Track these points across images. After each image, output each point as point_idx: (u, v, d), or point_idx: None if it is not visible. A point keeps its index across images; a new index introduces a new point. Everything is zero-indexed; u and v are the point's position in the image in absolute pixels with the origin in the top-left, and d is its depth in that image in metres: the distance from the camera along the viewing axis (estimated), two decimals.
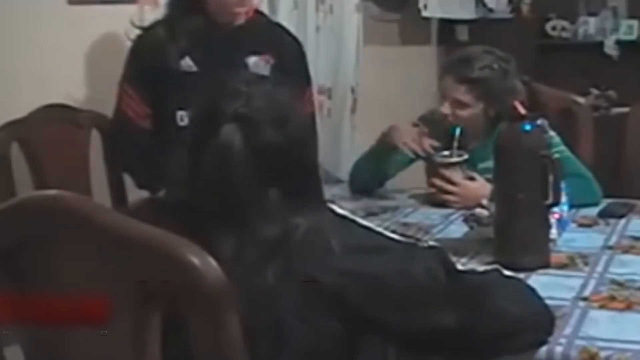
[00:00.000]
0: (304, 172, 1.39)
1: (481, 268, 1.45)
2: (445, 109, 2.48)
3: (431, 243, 1.48)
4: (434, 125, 2.57)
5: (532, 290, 1.48)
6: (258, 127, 1.32)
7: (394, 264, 1.34)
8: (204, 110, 1.38)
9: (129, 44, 2.58)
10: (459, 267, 1.43)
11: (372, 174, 2.63)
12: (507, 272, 1.49)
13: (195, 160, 1.34)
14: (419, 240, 1.53)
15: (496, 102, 2.43)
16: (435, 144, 2.50)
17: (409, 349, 1.41)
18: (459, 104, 2.46)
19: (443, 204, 2.42)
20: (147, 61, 2.49)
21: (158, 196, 2.13)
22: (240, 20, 2.54)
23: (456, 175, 2.43)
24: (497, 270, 1.49)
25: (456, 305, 1.35)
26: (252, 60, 2.51)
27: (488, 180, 2.19)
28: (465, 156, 2.44)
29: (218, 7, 2.48)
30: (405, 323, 1.34)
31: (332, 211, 1.40)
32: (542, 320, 1.46)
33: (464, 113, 2.46)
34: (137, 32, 2.55)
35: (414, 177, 2.69)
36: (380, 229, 1.42)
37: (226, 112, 1.33)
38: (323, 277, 1.29)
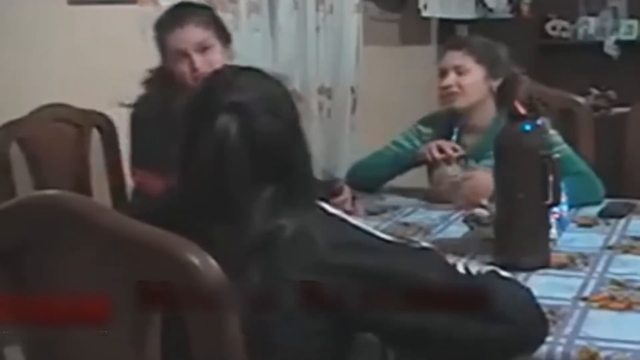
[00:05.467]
0: (295, 168, 1.36)
1: (475, 269, 1.41)
2: (448, 80, 2.45)
3: (424, 244, 1.47)
4: (435, 127, 2.57)
5: (528, 291, 1.44)
6: (253, 118, 1.31)
7: (385, 264, 1.32)
8: (198, 101, 1.37)
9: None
10: (455, 268, 1.39)
11: (370, 177, 2.60)
12: (503, 273, 1.45)
13: (189, 151, 1.33)
14: (411, 241, 1.51)
15: (497, 66, 2.44)
16: (456, 146, 2.46)
17: (401, 348, 1.40)
18: (460, 71, 2.44)
19: (443, 203, 2.42)
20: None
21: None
22: None
23: (456, 170, 2.43)
24: (493, 271, 1.44)
25: (448, 308, 1.32)
26: None
27: None
28: (464, 152, 2.44)
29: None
30: (394, 323, 1.32)
31: (323, 210, 1.38)
32: (537, 324, 1.41)
33: (466, 80, 2.43)
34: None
35: (414, 177, 2.68)
36: (371, 229, 1.39)
37: (221, 101, 1.32)
38: (308, 278, 1.28)
